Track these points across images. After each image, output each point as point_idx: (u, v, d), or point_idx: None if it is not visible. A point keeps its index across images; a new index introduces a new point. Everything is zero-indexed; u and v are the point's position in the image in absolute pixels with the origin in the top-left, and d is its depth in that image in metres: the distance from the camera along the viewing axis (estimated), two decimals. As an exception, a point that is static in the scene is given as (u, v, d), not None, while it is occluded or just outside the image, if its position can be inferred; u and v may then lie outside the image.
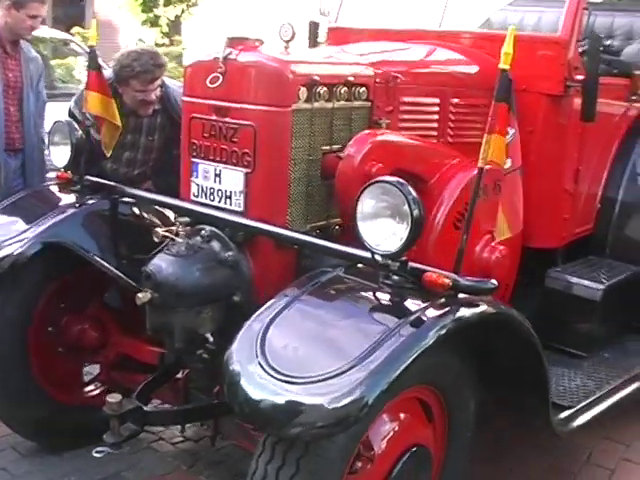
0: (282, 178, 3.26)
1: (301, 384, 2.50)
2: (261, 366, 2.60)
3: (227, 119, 3.29)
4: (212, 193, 3.39)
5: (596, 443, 4.20)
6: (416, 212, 2.71)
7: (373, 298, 2.80)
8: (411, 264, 2.81)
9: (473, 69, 4.01)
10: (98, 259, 3.64)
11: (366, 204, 2.81)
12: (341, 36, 4.37)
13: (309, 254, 3.34)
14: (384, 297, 2.77)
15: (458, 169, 3.61)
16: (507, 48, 2.85)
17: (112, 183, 3.89)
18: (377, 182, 2.80)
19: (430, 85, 3.76)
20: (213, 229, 3.33)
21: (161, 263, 3.20)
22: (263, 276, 3.32)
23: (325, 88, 3.30)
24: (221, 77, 3.25)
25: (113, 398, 3.12)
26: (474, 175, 3.56)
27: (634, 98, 4.46)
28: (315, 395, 2.46)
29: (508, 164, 3.09)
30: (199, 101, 3.39)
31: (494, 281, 2.83)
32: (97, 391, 4.07)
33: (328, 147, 3.38)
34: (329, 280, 2.88)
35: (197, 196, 3.45)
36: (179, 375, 3.61)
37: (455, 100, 3.84)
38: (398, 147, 3.46)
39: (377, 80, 3.50)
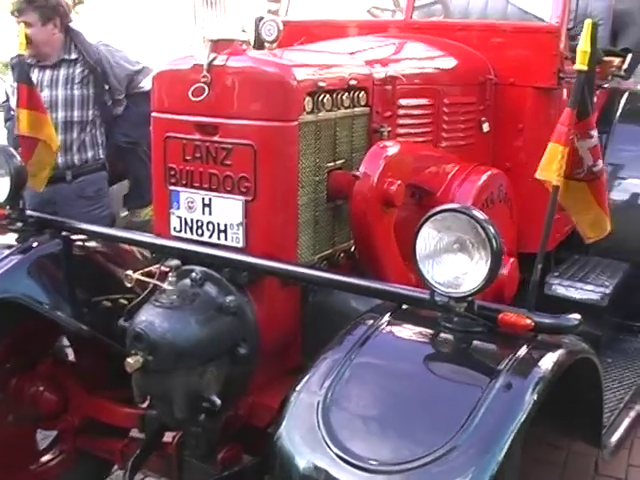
0: (290, 205, 2.59)
1: (395, 472, 1.89)
2: (330, 449, 1.97)
3: (216, 138, 2.58)
4: (200, 227, 2.68)
5: (597, 450, 3.77)
6: (495, 244, 2.13)
7: (444, 350, 2.19)
8: (478, 303, 2.24)
9: (453, 63, 3.44)
10: (58, 313, 2.87)
11: (429, 238, 2.20)
12: (297, 31, 3.71)
13: (316, 289, 2.72)
14: (457, 348, 2.18)
15: (463, 179, 3.05)
16: (585, 45, 2.30)
17: (61, 219, 3.10)
18: (441, 212, 2.19)
19: (425, 84, 3.16)
20: (205, 270, 2.64)
21: (153, 319, 2.47)
22: (268, 320, 2.66)
23: (328, 95, 2.66)
24: (207, 88, 2.55)
25: (110, 490, 2.41)
26: (482, 184, 3.08)
27: (605, 86, 4.04)
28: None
29: (600, 165, 2.61)
30: (177, 117, 2.66)
31: (577, 316, 2.29)
32: (54, 462, 3.26)
33: (332, 164, 2.74)
34: (380, 331, 2.25)
35: (179, 231, 2.72)
36: (166, 438, 2.92)
37: (446, 100, 3.26)
38: (409, 159, 2.86)
39: (375, 82, 2.88)
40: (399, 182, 2.66)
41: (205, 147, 2.61)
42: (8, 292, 2.81)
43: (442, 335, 2.20)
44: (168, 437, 2.92)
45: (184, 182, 2.67)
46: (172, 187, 2.71)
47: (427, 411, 2.00)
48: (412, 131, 3.08)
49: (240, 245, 2.60)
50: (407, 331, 2.29)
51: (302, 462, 2.02)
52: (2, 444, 3.08)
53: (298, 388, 2.14)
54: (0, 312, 2.84)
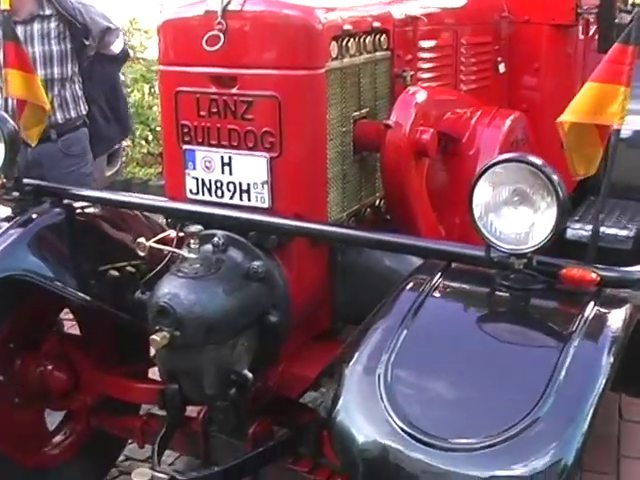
0: (318, 159, 2.36)
1: (472, 450, 1.68)
2: (396, 424, 1.75)
3: (235, 90, 2.33)
4: (219, 187, 2.44)
5: (619, 396, 3.63)
6: (561, 192, 1.93)
7: (508, 312, 1.99)
8: (537, 258, 2.04)
9: (467, 1, 3.19)
10: (64, 287, 2.61)
11: (485, 192, 1.99)
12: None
13: (345, 248, 2.51)
14: (520, 308, 1.98)
15: (488, 123, 2.84)
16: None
17: (62, 186, 2.83)
18: (497, 163, 1.98)
19: (443, 25, 2.92)
20: (228, 234, 2.41)
21: (177, 291, 2.24)
22: (298, 283, 2.44)
23: (352, 39, 2.42)
24: (222, 36, 2.29)
25: (141, 476, 2.21)
26: (508, 129, 2.87)
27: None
28: (503, 463, 1.66)
29: None
30: (189, 70, 2.39)
31: (641, 267, 2.11)
32: (67, 443, 3.01)
33: (358, 113, 2.51)
34: (433, 295, 2.03)
35: (196, 193, 2.48)
36: (190, 412, 2.71)
37: (463, 40, 3.02)
38: (437, 105, 2.64)
39: (396, 24, 2.63)
40: (432, 130, 2.44)
41: (222, 101, 2.35)
42: (9, 270, 2.53)
43: (501, 295, 2.00)
44: (191, 412, 2.72)
45: (200, 140, 2.42)
46: (186, 146, 2.45)
47: (501, 381, 1.80)
48: (433, 75, 2.84)
49: (265, 205, 2.37)
50: (463, 293, 2.09)
51: (364, 440, 1.81)
52: (11, 428, 2.84)
53: (352, 362, 1.92)
54: (2, 291, 2.58)
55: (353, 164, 2.52)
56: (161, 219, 2.74)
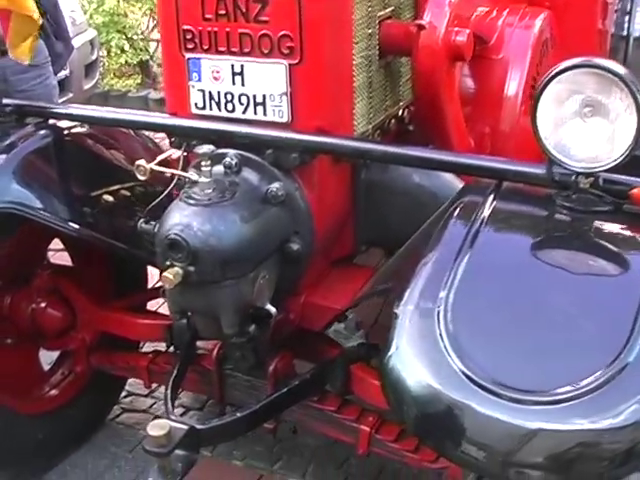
0: (344, 66, 2.03)
1: (555, 403, 1.42)
2: (464, 374, 1.46)
3: (246, -12, 1.98)
4: (230, 101, 2.09)
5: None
6: (642, 101, 1.63)
7: (576, 238, 1.69)
8: (604, 176, 1.74)
9: None
10: (57, 219, 2.26)
11: (552, 102, 1.67)
12: None
13: (370, 164, 2.20)
14: (588, 233, 1.69)
15: (517, 23, 2.51)
16: None
17: (47, 104, 2.46)
18: (569, 68, 1.66)
19: None
20: (241, 153, 2.08)
21: (189, 221, 1.92)
22: (321, 206, 2.14)
23: None
24: None
25: (159, 429, 1.90)
26: (539, 29, 2.55)
27: None
28: (586, 417, 1.39)
29: None
30: (191, -36, 2.04)
31: None
32: (64, 384, 2.71)
33: (383, 12, 2.16)
34: (491, 222, 1.72)
35: (202, 107, 2.13)
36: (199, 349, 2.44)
37: None
38: (467, 4, 2.30)
39: None
40: (468, 31, 2.11)
41: (231, 0, 2.00)
42: None
43: (566, 219, 1.72)
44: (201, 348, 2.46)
45: (205, 47, 2.06)
46: (190, 54, 2.09)
47: (579, 321, 1.53)
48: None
49: (284, 120, 2.04)
50: (524, 217, 1.78)
51: (421, 386, 1.53)
52: (4, 370, 2.55)
53: (404, 301, 1.63)
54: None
55: (379, 70, 2.19)
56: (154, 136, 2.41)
